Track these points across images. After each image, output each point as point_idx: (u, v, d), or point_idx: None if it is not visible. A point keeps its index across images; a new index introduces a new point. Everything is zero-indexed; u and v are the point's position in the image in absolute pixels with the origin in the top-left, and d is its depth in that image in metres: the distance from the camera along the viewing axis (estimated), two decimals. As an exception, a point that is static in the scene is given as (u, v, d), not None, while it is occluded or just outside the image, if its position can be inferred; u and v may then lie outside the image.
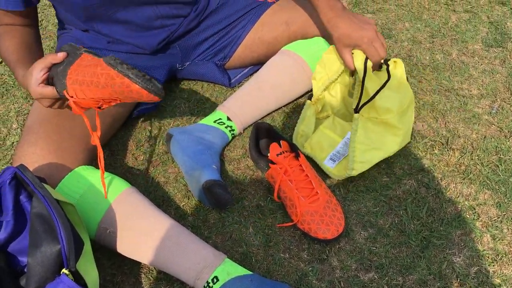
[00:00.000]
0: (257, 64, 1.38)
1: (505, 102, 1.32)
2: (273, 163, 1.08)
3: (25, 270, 0.99)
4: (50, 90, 0.92)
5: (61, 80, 0.91)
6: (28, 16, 1.13)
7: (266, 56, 1.33)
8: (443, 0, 1.66)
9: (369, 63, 1.05)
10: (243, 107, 1.23)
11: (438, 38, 1.52)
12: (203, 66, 1.35)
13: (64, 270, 0.82)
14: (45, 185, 0.90)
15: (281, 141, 1.09)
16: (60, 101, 0.97)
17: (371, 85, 1.06)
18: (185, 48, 1.31)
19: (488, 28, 1.54)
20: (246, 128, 1.28)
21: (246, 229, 1.08)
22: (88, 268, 0.93)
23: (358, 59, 1.06)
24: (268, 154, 1.09)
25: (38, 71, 0.92)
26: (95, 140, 0.94)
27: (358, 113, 1.08)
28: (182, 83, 1.44)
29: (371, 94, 1.05)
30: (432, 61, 1.45)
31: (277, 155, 1.08)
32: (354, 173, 1.08)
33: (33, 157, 0.99)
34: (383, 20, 1.60)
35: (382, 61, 1.07)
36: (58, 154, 1.01)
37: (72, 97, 0.90)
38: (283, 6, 1.29)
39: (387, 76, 1.06)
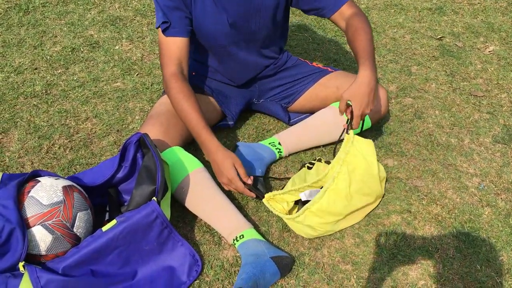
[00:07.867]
0: (312, 112, 1.88)
1: (492, 183, 1.70)
2: None
3: (125, 204, 1.52)
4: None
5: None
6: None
7: (319, 107, 1.82)
8: (473, 100, 2.08)
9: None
10: (291, 138, 1.73)
11: (457, 127, 1.94)
12: (272, 105, 1.87)
13: (154, 198, 1.33)
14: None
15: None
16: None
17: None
18: (262, 89, 1.85)
19: (501, 129, 1.94)
20: (292, 154, 1.77)
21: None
22: (165, 208, 1.43)
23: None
24: None
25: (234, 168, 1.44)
26: None
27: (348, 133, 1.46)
28: (255, 114, 1.97)
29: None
30: (446, 142, 1.87)
31: None
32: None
33: (150, 134, 1.53)
34: (419, 105, 2.05)
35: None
36: (165, 136, 1.55)
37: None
38: (338, 76, 1.79)
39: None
